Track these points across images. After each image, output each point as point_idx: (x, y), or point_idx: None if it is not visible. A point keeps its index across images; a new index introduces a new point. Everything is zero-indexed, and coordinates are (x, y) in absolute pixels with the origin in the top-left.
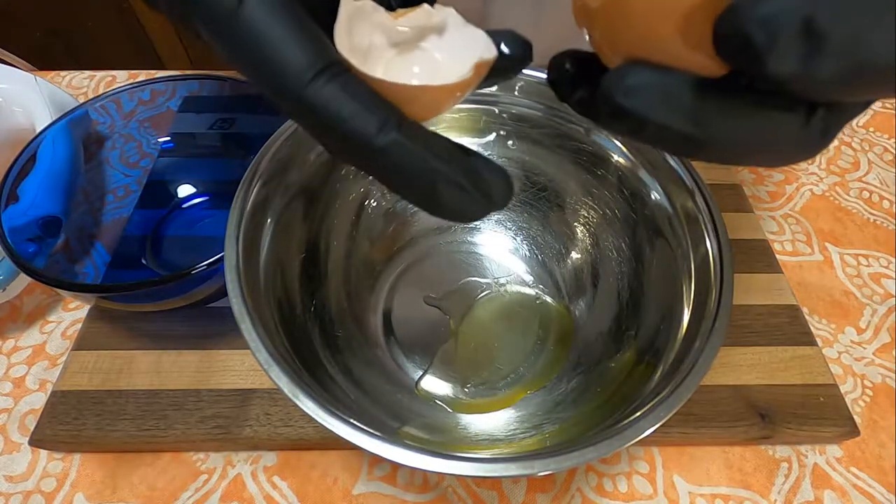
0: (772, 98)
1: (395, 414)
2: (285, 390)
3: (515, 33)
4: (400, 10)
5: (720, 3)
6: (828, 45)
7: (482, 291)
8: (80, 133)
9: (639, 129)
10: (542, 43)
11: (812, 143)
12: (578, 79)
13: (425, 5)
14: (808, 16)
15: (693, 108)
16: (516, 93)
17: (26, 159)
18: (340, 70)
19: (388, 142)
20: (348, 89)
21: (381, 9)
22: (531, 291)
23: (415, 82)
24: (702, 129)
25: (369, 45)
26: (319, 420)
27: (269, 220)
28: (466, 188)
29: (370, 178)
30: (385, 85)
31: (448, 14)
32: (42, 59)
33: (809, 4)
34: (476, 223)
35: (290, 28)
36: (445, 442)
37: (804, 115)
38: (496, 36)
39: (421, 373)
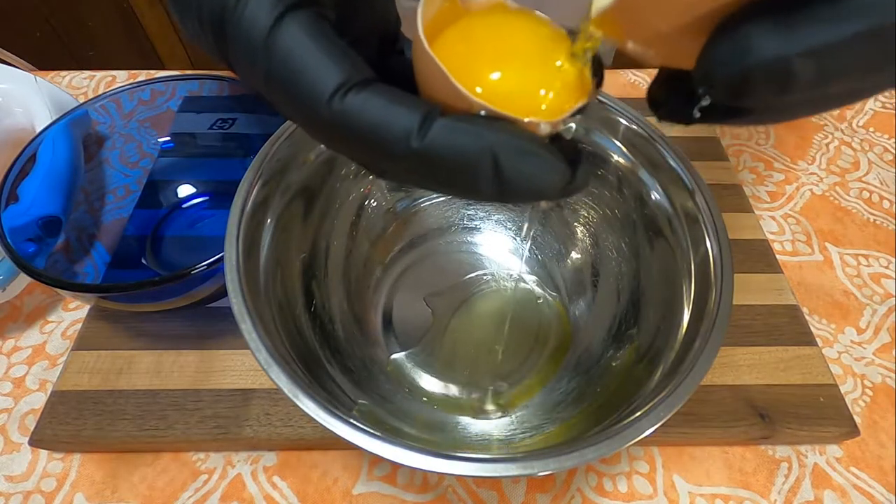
0: None
1: (394, 413)
2: (285, 390)
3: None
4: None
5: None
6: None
7: (481, 291)
8: (80, 133)
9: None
10: None
11: None
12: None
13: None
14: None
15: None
16: None
17: (26, 159)
18: (374, 80)
19: (437, 128)
20: (386, 93)
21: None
22: (530, 291)
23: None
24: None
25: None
26: (319, 420)
27: (269, 220)
28: (535, 152)
29: (371, 177)
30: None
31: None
32: (42, 59)
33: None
34: (476, 223)
35: (325, 48)
36: (444, 442)
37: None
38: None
39: (410, 363)
